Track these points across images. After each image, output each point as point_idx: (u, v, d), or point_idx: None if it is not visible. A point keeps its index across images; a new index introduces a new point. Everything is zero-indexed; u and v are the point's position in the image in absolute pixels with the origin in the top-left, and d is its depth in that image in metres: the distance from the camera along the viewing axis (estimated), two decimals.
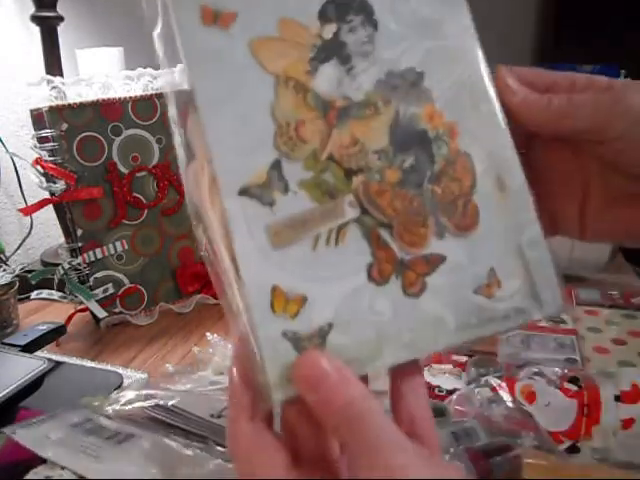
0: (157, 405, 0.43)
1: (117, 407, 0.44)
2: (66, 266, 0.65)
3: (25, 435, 0.39)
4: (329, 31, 0.25)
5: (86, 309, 0.66)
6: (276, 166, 0.24)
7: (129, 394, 0.46)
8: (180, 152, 0.25)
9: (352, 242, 0.24)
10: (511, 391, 0.45)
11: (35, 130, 0.64)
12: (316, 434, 0.23)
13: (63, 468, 0.37)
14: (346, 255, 0.24)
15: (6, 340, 0.57)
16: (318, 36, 0.25)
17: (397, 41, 0.26)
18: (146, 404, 0.44)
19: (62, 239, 0.67)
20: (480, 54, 0.27)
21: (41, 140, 0.63)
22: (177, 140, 0.25)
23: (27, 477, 0.37)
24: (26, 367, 0.50)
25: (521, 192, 0.26)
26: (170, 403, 0.43)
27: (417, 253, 0.25)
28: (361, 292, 0.24)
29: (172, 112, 0.25)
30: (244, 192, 0.23)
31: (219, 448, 0.39)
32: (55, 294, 0.70)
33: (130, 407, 0.44)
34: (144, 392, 0.45)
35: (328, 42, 0.25)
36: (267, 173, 0.23)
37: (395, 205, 0.25)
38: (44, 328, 0.60)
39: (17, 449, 0.39)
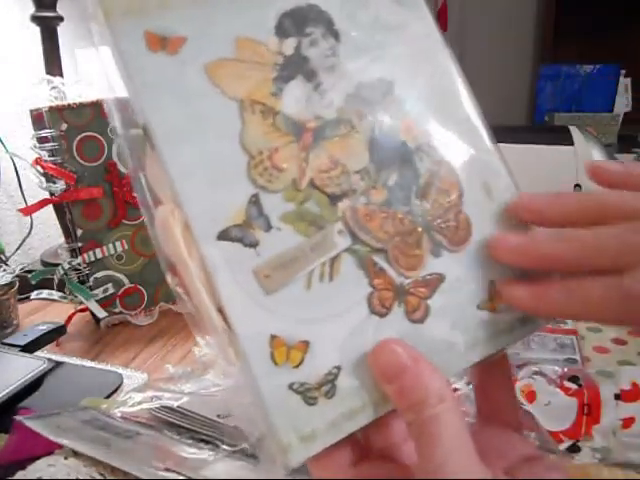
0: (163, 406, 0.43)
1: (125, 409, 0.44)
2: (66, 266, 0.65)
3: (36, 423, 0.39)
4: (289, 46, 0.23)
5: (86, 309, 0.66)
6: (254, 201, 0.21)
7: (136, 397, 0.46)
8: (143, 199, 0.22)
9: (347, 274, 0.22)
10: None
11: (35, 130, 0.64)
12: (379, 421, 0.22)
13: (66, 458, 0.37)
14: (343, 289, 0.22)
15: (6, 340, 0.57)
16: (278, 53, 0.23)
17: (362, 51, 0.24)
18: (152, 405, 0.44)
19: (62, 239, 0.67)
20: (448, 56, 0.25)
21: (41, 140, 0.63)
22: (137, 187, 0.22)
23: (29, 467, 0.37)
24: (26, 367, 0.50)
25: (508, 195, 0.25)
26: (176, 404, 0.43)
27: (416, 276, 0.23)
28: (365, 327, 0.22)
29: (126, 155, 0.22)
30: (223, 236, 0.21)
31: (225, 447, 0.39)
32: (55, 294, 0.70)
33: (136, 409, 0.44)
34: (150, 394, 0.46)
35: (290, 58, 0.23)
36: (245, 210, 0.21)
37: (386, 228, 0.23)
38: (44, 328, 0.60)
39: (18, 449, 0.39)
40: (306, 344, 0.21)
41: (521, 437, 0.25)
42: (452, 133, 0.24)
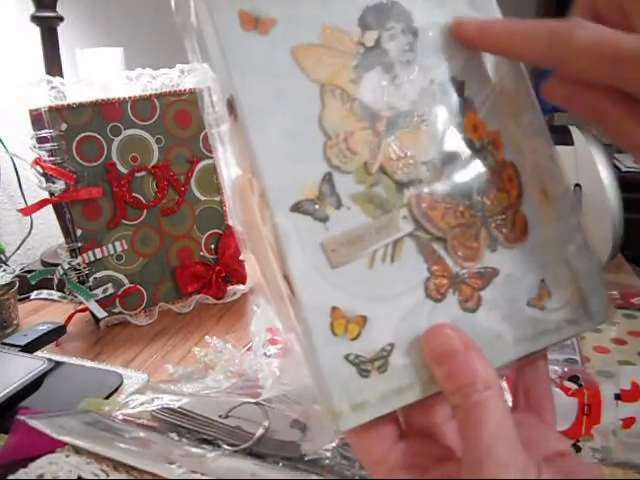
0: (164, 407, 0.43)
1: (127, 411, 0.44)
2: (66, 266, 0.65)
3: (39, 423, 0.39)
4: (371, 38, 0.24)
5: (86, 309, 0.66)
6: (328, 179, 0.23)
7: (137, 398, 0.46)
8: (223, 166, 0.24)
9: (408, 257, 0.23)
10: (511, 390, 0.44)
11: (34, 130, 0.64)
12: (422, 401, 0.23)
13: (68, 456, 0.37)
14: (403, 271, 0.23)
15: (6, 340, 0.57)
16: (360, 43, 0.24)
17: (437, 49, 0.25)
18: (153, 407, 0.44)
19: (62, 239, 0.67)
20: (519, 64, 0.26)
21: (40, 140, 0.63)
22: (219, 155, 0.24)
23: (31, 465, 0.37)
24: (26, 367, 0.50)
25: (565, 200, 0.26)
26: (177, 405, 0.43)
27: (471, 267, 0.24)
28: (420, 309, 0.23)
29: (211, 120, 0.24)
30: (296, 208, 0.22)
31: (227, 447, 0.39)
32: (55, 294, 0.70)
33: (137, 410, 0.44)
34: (151, 396, 0.46)
35: (370, 49, 0.24)
36: (319, 187, 0.22)
37: (447, 218, 0.24)
38: (44, 328, 0.60)
39: (18, 448, 0.39)
40: (364, 319, 0.22)
41: (554, 432, 0.25)
42: (515, 135, 0.25)
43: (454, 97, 0.25)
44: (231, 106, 0.23)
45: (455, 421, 0.21)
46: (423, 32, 0.25)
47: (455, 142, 0.25)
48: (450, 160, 0.24)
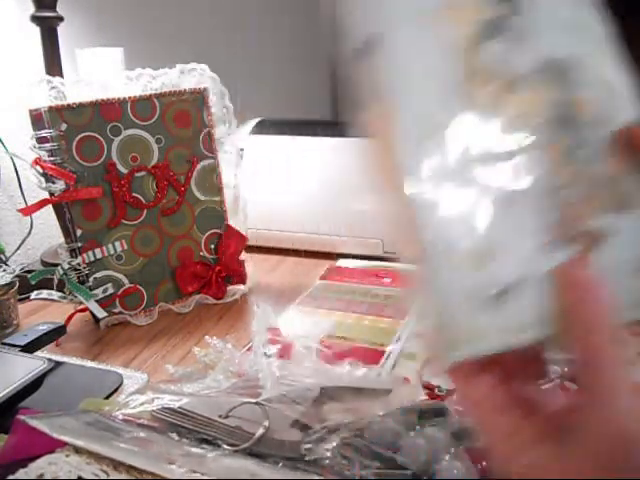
0: (164, 407, 0.43)
1: (127, 411, 0.44)
2: (66, 266, 0.65)
3: (39, 423, 0.39)
4: (494, 11, 0.26)
5: (86, 309, 0.66)
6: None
7: (137, 398, 0.46)
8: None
9: (534, 202, 0.24)
10: None
11: (34, 130, 0.64)
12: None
13: (68, 456, 0.37)
14: (534, 211, 0.24)
15: (6, 340, 0.57)
16: (484, 13, 0.26)
17: (552, 32, 0.27)
18: (153, 407, 0.44)
19: (62, 239, 0.67)
20: (617, 60, 0.28)
21: (40, 140, 0.63)
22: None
23: (31, 465, 0.37)
24: (26, 367, 0.50)
25: None
26: (177, 405, 0.43)
27: (587, 226, 0.25)
28: (547, 250, 0.24)
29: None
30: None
31: (227, 447, 0.39)
32: (55, 294, 0.69)
33: (137, 410, 0.44)
34: (151, 396, 0.46)
35: (493, 21, 0.26)
36: None
37: (566, 173, 0.25)
38: (44, 328, 0.60)
39: (19, 448, 0.39)
40: (492, 253, 0.23)
41: None
42: (621, 114, 0.27)
43: (565, 75, 0.26)
44: (369, 45, 0.25)
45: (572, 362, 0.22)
46: (545, 15, 0.27)
47: (566, 114, 0.26)
48: (563, 128, 0.26)
